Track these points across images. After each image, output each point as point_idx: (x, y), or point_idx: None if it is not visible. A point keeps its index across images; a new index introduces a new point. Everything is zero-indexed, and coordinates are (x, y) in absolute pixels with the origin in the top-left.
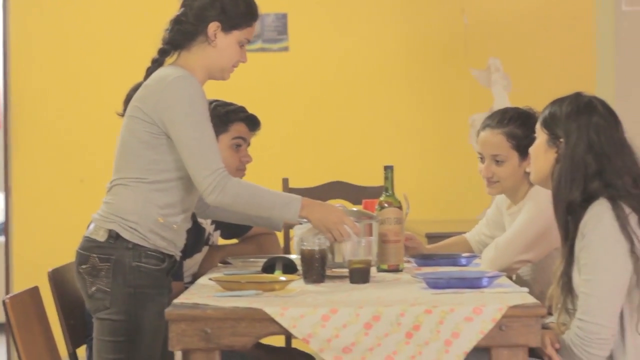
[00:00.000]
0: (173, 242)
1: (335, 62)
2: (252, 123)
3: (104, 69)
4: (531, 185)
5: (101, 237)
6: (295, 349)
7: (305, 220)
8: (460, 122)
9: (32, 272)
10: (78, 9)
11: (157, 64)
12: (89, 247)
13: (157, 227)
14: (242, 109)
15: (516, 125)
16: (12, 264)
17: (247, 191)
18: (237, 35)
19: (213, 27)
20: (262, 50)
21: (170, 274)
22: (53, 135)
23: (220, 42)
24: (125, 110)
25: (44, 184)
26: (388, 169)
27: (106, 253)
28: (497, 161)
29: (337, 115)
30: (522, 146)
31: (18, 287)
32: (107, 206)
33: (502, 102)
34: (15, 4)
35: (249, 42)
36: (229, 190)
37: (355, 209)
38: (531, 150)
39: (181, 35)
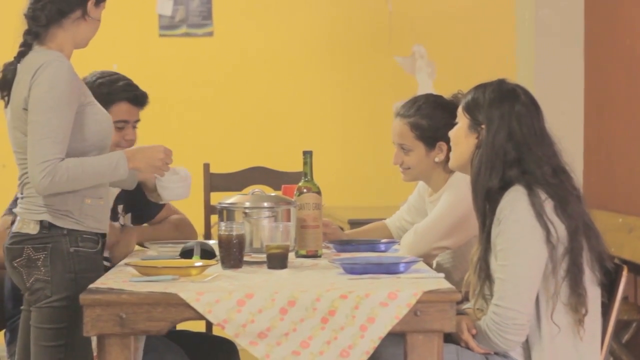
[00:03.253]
0: (103, 219)
1: (259, 48)
2: (136, 100)
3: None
4: (450, 173)
5: (32, 229)
6: (215, 336)
7: None
8: (384, 108)
9: None
10: None
11: (29, 47)
12: (20, 241)
13: (87, 208)
14: (125, 88)
15: (421, 115)
16: None
17: (75, 170)
18: (102, 5)
19: (91, 3)
20: (187, 35)
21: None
22: None
23: (93, 15)
24: (3, 94)
25: None
26: (307, 154)
27: (41, 243)
28: (404, 149)
29: (260, 101)
30: (426, 137)
31: None
32: (30, 200)
33: (426, 89)
34: None
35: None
36: (59, 176)
37: (273, 194)
38: (451, 134)
39: (57, 13)
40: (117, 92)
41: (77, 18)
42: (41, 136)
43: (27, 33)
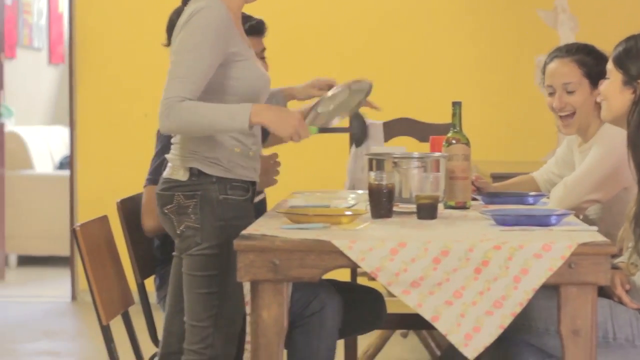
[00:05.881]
0: (253, 167)
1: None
2: (256, 31)
3: (167, 2)
4: (602, 121)
5: (182, 176)
6: (362, 285)
7: None
8: (526, 63)
9: (95, 205)
10: None
11: None
12: (171, 187)
13: (236, 157)
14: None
15: (584, 53)
16: (76, 198)
17: (189, 115)
18: None
19: None
20: None
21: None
22: (117, 69)
23: None
24: (169, 39)
25: (108, 119)
26: (456, 105)
27: (191, 190)
28: (569, 91)
29: (402, 52)
30: (593, 74)
31: (82, 220)
32: (180, 146)
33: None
34: None
35: None
36: (172, 116)
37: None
38: (603, 89)
39: None
40: None
41: None
42: (172, 76)
43: None
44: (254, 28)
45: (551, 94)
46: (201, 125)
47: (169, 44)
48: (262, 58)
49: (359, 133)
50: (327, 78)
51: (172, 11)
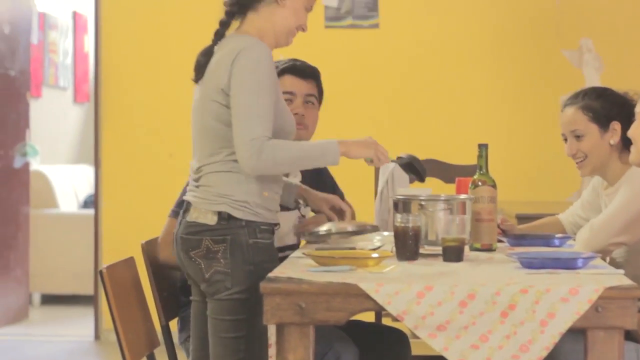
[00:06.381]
0: (276, 210)
1: (425, 40)
2: (300, 71)
3: (193, 42)
4: (627, 165)
5: (210, 220)
6: (386, 325)
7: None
8: (551, 102)
9: (120, 244)
10: None
11: (225, 26)
12: (198, 232)
13: (264, 201)
14: (286, 62)
15: (591, 98)
16: (100, 236)
17: (283, 152)
18: None
19: None
20: (353, 26)
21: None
22: (142, 109)
23: (290, 2)
24: (197, 77)
25: (133, 158)
26: (482, 147)
27: (220, 234)
28: (577, 136)
29: (427, 94)
30: (600, 117)
31: (107, 260)
32: (208, 189)
33: (594, 83)
34: None
35: (311, 9)
36: (265, 155)
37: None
38: (631, 132)
39: None
40: (279, 67)
41: (270, 2)
42: (249, 115)
43: (225, 14)
44: (298, 69)
45: (565, 141)
46: (294, 162)
47: (197, 80)
48: (308, 102)
49: (421, 171)
50: (343, 204)
51: (199, 52)
